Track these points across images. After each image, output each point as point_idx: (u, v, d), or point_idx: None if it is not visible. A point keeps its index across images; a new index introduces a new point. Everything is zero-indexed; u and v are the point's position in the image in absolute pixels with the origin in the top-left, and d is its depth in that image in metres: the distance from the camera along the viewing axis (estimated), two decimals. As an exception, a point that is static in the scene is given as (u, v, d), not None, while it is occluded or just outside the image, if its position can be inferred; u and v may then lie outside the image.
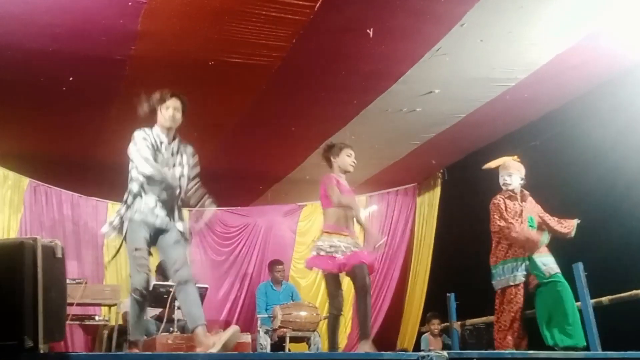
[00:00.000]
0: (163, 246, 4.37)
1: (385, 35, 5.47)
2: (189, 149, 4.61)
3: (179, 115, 4.48)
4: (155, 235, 4.35)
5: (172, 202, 4.41)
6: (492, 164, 5.84)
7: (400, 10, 5.17)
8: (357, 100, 6.74)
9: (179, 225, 4.41)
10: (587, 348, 5.31)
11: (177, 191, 4.43)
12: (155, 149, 4.39)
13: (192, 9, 5.02)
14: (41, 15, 5.00)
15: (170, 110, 4.43)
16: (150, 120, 4.52)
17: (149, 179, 4.30)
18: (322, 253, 4.95)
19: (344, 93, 6.58)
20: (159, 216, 4.32)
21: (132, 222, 4.27)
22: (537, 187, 5.84)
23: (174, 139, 4.53)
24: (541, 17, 5.28)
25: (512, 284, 5.44)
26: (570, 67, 5.97)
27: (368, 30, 5.36)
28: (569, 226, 5.72)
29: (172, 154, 4.48)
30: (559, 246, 5.71)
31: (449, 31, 5.44)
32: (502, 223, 5.51)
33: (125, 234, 4.30)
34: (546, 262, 5.45)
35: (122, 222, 4.33)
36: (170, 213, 4.39)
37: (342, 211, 5.05)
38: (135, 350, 4.32)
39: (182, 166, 4.49)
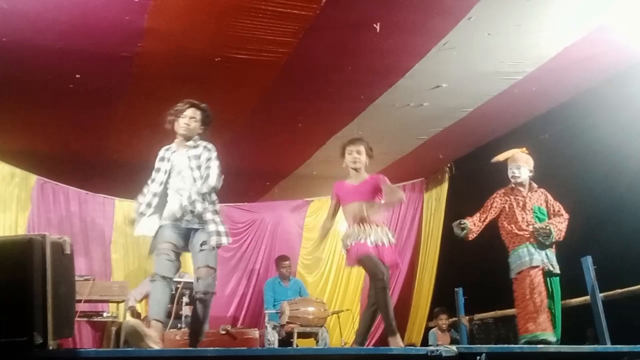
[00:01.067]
0: (192, 249, 4.43)
1: (392, 30, 5.45)
2: (205, 153, 4.59)
3: (194, 124, 4.60)
4: (187, 236, 4.41)
5: (194, 206, 4.41)
6: (500, 157, 5.83)
7: (407, 5, 5.16)
8: (364, 96, 6.73)
9: (211, 227, 4.41)
10: (597, 342, 5.30)
11: (194, 197, 4.43)
12: (163, 160, 4.57)
13: (198, 5, 5.02)
14: (48, 12, 5.01)
15: (186, 119, 4.57)
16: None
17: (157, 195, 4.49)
18: (355, 240, 4.82)
19: (351, 88, 6.56)
20: (184, 218, 4.38)
21: (162, 227, 4.38)
22: (545, 180, 5.82)
23: (188, 142, 4.60)
24: (549, 9, 5.26)
25: (529, 265, 5.38)
26: (578, 60, 5.94)
27: (375, 25, 5.35)
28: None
29: (188, 160, 4.54)
30: (568, 239, 5.69)
31: (457, 25, 5.42)
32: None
33: (155, 235, 4.40)
34: (551, 258, 5.45)
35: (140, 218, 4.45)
36: (197, 215, 4.41)
37: (357, 207, 4.96)
38: (151, 332, 4.26)
39: (193, 170, 4.51)
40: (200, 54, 5.71)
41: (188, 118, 4.58)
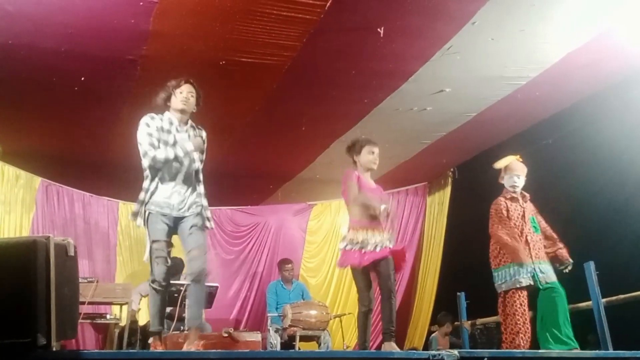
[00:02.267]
0: (182, 234, 4.44)
1: (396, 34, 5.46)
2: (203, 134, 4.64)
3: (192, 100, 4.56)
4: (175, 223, 4.41)
5: (188, 184, 4.44)
6: (499, 164, 5.81)
7: (411, 9, 5.16)
8: (367, 99, 6.73)
9: (198, 209, 4.45)
10: (598, 347, 5.30)
11: (191, 170, 4.47)
12: (162, 130, 4.44)
13: (203, 9, 5.03)
14: (54, 15, 5.03)
15: (184, 94, 4.52)
16: (163, 109, 4.58)
17: (155, 165, 4.36)
18: (349, 247, 4.87)
19: (354, 92, 6.57)
20: (175, 206, 4.38)
21: (151, 215, 4.36)
22: (548, 185, 5.82)
23: (186, 123, 4.58)
24: (553, 15, 5.26)
25: (517, 286, 5.37)
26: (582, 65, 5.94)
27: (379, 29, 5.36)
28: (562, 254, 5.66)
29: (187, 137, 4.52)
30: (571, 244, 5.69)
31: (460, 29, 5.42)
32: (499, 231, 5.47)
33: (147, 224, 4.38)
34: (544, 269, 5.40)
35: (141, 209, 4.40)
36: (187, 197, 4.43)
37: (365, 207, 4.95)
38: (158, 344, 4.33)
39: (202, 154, 4.54)
40: (205, 57, 5.72)
41: (186, 92, 4.53)
